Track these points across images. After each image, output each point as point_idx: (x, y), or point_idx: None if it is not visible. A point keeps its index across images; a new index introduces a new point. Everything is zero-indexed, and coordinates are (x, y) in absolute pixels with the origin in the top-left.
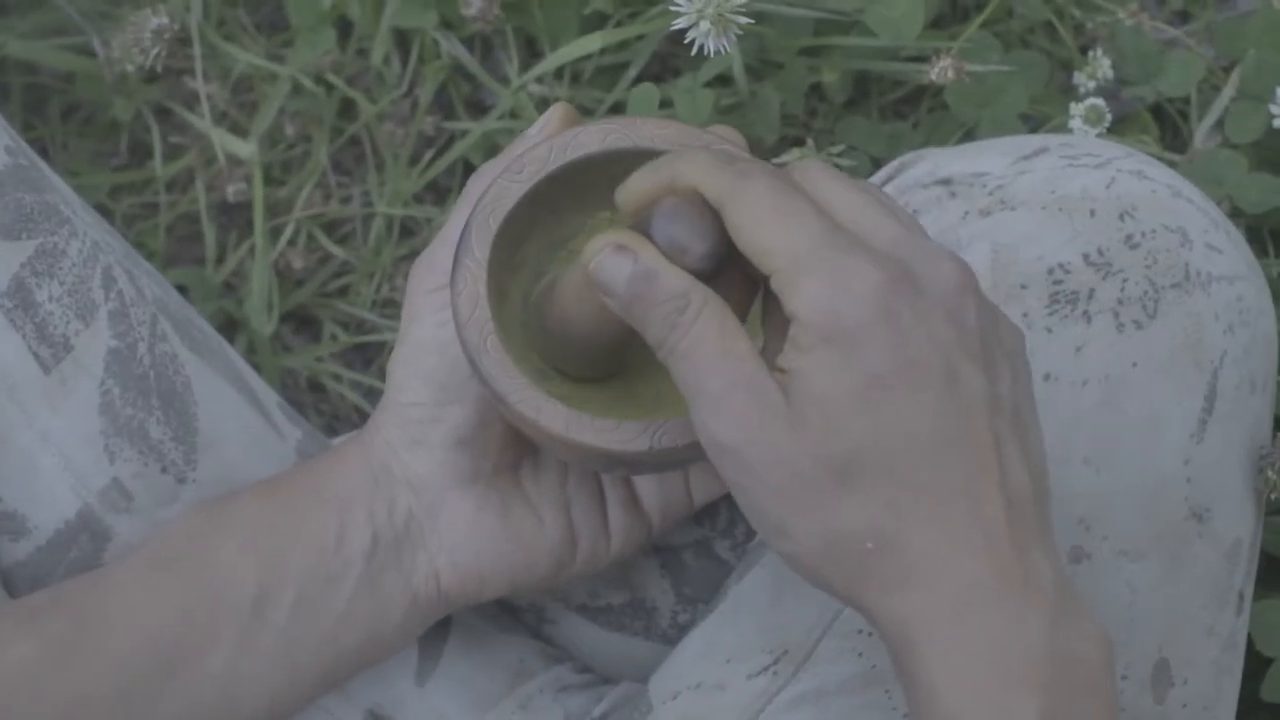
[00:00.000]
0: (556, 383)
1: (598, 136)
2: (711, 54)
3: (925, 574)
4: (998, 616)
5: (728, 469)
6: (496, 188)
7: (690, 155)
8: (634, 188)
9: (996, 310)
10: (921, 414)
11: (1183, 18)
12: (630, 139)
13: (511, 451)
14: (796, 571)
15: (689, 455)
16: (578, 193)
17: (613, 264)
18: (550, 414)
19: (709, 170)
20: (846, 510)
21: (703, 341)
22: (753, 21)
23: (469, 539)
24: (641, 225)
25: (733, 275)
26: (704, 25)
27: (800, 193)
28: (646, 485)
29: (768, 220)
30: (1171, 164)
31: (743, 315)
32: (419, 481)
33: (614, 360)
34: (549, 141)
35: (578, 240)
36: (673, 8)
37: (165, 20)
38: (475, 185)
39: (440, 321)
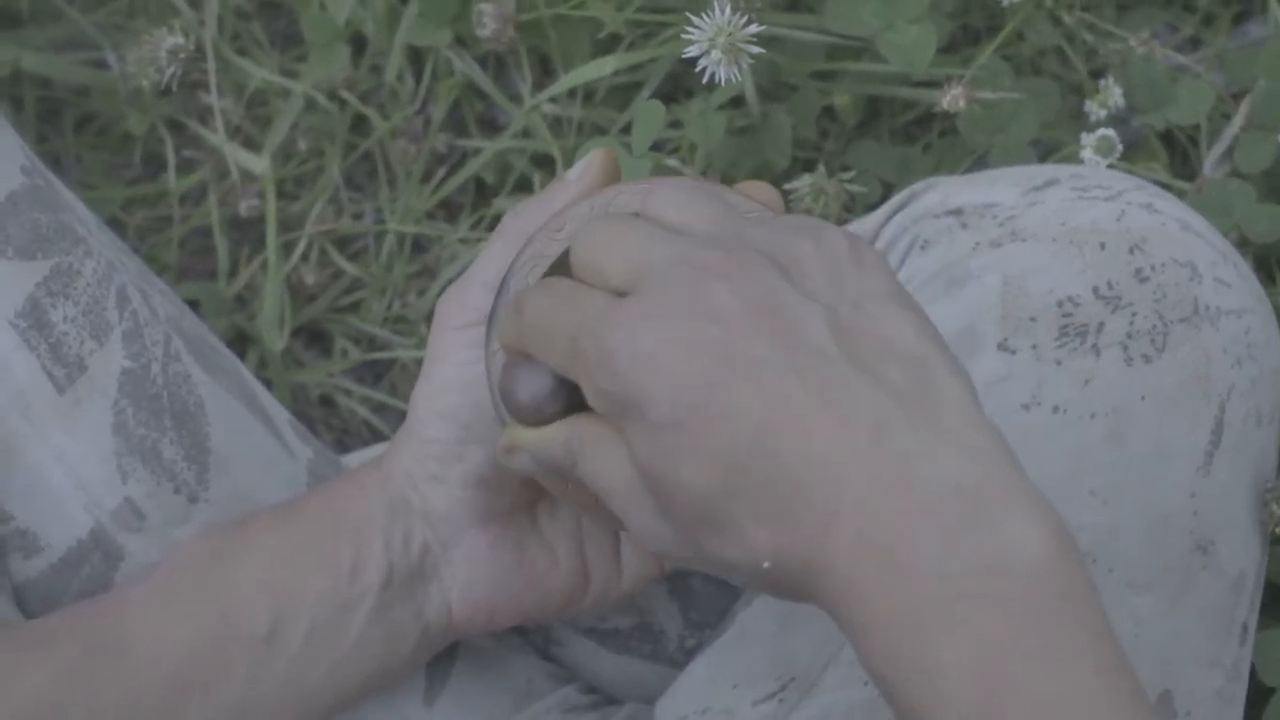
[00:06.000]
0: None
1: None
2: (722, 83)
3: (823, 552)
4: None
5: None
6: (535, 246)
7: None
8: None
9: (778, 244)
10: (724, 430)
11: (1194, 44)
12: None
13: (529, 490)
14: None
15: None
16: None
17: (515, 464)
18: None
19: (503, 330)
20: (723, 548)
21: (595, 472)
22: (764, 51)
23: (483, 575)
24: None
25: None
26: (715, 54)
27: (527, 311)
28: None
29: (542, 351)
30: (1180, 192)
31: None
32: (436, 516)
33: None
34: (589, 201)
35: None
36: (684, 35)
37: (180, 40)
38: (511, 225)
39: (465, 360)
